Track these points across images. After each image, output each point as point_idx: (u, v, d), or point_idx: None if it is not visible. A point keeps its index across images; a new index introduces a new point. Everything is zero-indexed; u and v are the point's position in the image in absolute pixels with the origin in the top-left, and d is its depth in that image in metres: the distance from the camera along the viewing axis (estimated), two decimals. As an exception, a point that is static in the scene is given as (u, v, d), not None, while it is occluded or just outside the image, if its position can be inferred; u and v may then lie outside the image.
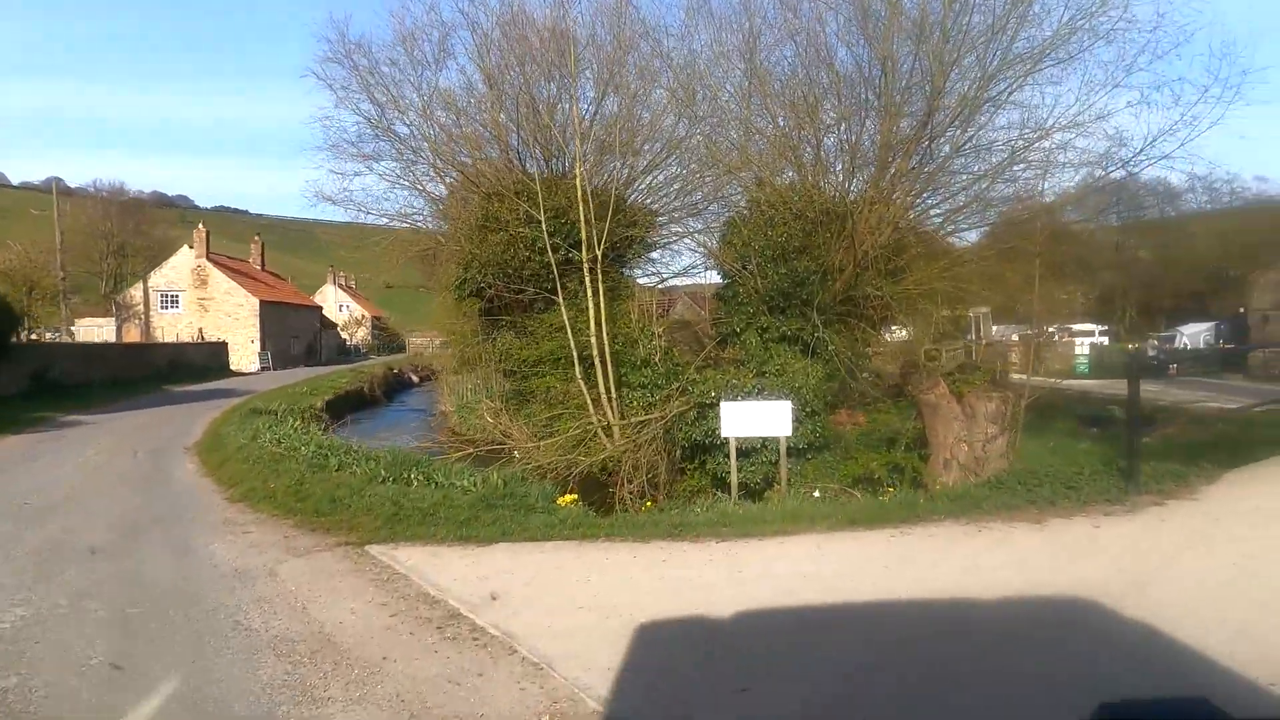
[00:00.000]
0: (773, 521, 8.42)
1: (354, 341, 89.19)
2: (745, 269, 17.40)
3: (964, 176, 17.74)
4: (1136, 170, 16.36)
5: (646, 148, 24.75)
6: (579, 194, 18.42)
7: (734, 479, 12.28)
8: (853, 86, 17.53)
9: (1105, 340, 73.52)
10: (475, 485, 11.77)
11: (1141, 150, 16.31)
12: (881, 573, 6.63)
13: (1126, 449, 8.14)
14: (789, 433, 11.74)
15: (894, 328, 26.68)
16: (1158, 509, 7.66)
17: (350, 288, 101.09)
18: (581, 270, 18.68)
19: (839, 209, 17.43)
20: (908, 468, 14.35)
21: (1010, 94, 16.96)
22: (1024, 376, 39.35)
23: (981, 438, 13.99)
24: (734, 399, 15.03)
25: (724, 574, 6.94)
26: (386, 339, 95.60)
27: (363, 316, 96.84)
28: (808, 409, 15.35)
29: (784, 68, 19.39)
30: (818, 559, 7.15)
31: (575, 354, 18.55)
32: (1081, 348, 42.29)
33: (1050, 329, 47.27)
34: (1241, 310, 41.04)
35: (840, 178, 18.22)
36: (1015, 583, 6.22)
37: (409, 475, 12.35)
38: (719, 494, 13.58)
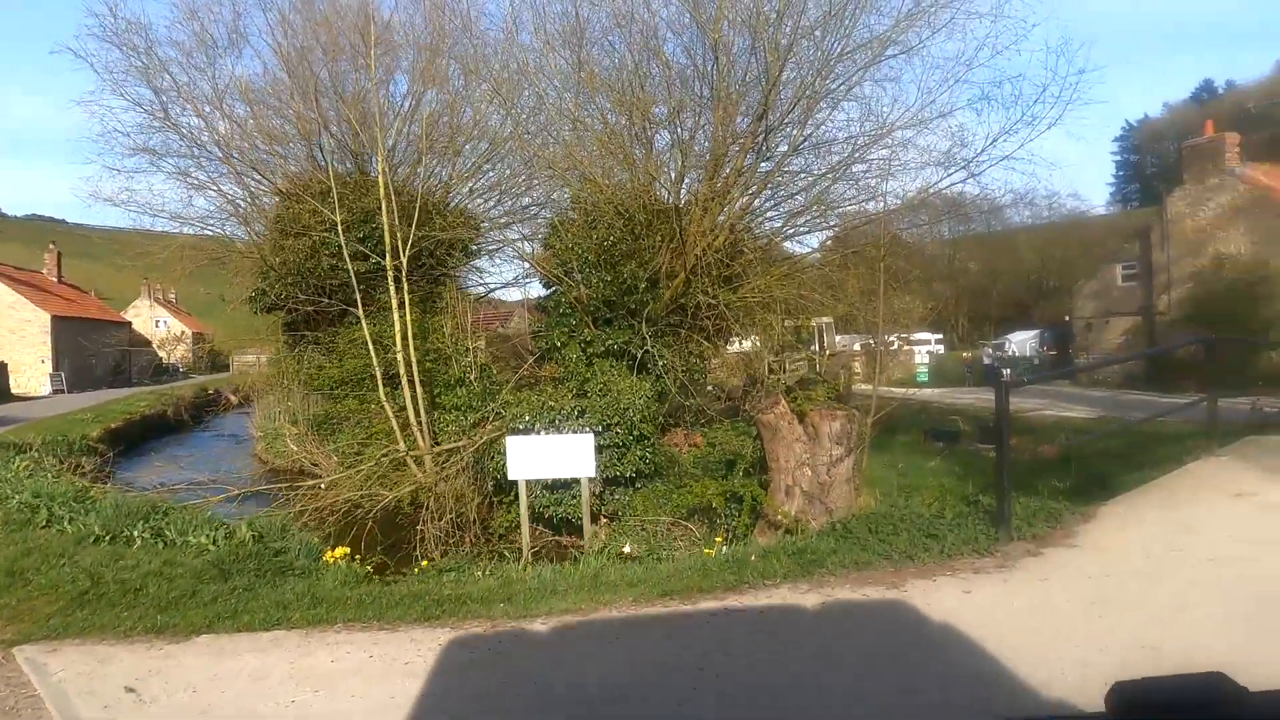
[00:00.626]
0: (567, 593, 6.54)
1: (173, 360, 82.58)
2: (567, 276, 15.58)
3: (804, 177, 16.52)
4: (979, 171, 15.48)
5: (470, 148, 22.70)
6: (382, 193, 16.20)
7: (525, 535, 10.11)
8: (685, 78, 16.06)
9: (940, 349, 76.00)
10: (217, 542, 9.41)
11: (983, 150, 15.50)
12: (694, 680, 4.86)
13: (997, 486, 6.72)
14: (592, 473, 9.76)
15: (736, 340, 25.60)
16: (1034, 560, 6.28)
17: (170, 302, 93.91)
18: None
19: (670, 210, 15.88)
20: (746, 497, 12.82)
21: (850, 89, 15.88)
22: (869, 387, 39.18)
23: (826, 460, 12.61)
24: (548, 424, 13.15)
25: (496, 682, 5.04)
26: (212, 357, 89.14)
27: (182, 333, 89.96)
28: (635, 433, 13.65)
29: (613, 58, 17.77)
30: (614, 658, 5.31)
31: (379, 372, 16.28)
32: (921, 357, 42.63)
33: (892, 338, 47.94)
34: (1066, 318, 42.31)
35: (674, 177, 16.68)
36: (875, 695, 4.57)
37: (133, 530, 9.82)
38: (506, 557, 11.40)
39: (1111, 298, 34.62)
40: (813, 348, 28.91)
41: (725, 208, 15.58)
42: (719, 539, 13.21)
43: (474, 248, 21.62)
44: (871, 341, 43.83)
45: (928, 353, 73.46)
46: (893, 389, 38.69)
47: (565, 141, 16.98)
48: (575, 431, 12.02)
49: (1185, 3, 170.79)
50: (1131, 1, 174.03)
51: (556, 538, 14.25)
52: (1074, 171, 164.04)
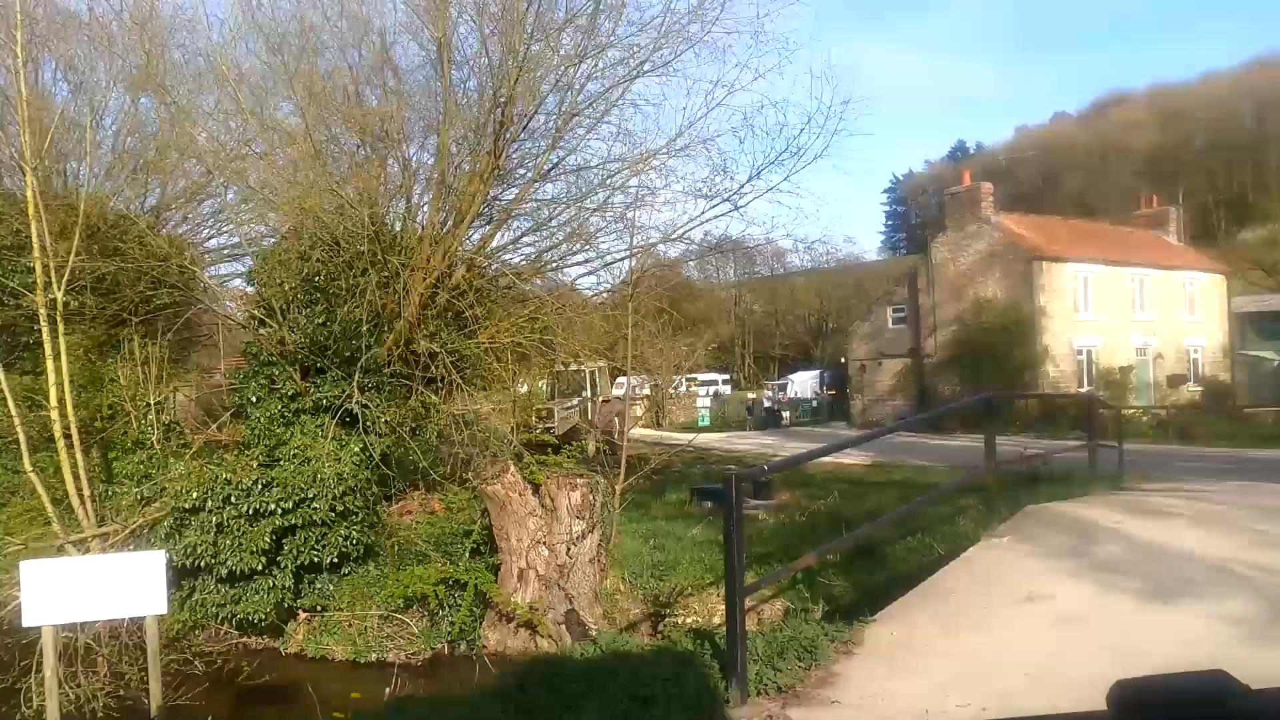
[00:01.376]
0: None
1: None
2: (270, 317, 12.90)
3: (557, 207, 14.66)
4: (743, 204, 14.15)
5: (192, 166, 19.48)
6: (30, 210, 12.93)
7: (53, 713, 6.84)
8: (420, 88, 13.89)
9: (728, 389, 76.80)
10: None
11: (749, 181, 14.20)
12: None
13: (728, 625, 4.76)
14: (163, 609, 6.75)
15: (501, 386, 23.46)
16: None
17: None
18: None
19: (396, 241, 13.57)
20: (470, 585, 10.59)
21: (607, 110, 14.22)
22: (651, 431, 37.82)
23: (566, 537, 10.62)
24: (222, 502, 10.46)
25: None
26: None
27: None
28: (338, 508, 11.17)
29: (342, 66, 15.33)
30: None
31: (22, 434, 12.88)
32: (703, 399, 41.97)
33: (674, 380, 47.09)
34: (842, 360, 42.98)
35: (407, 203, 14.40)
36: None
37: None
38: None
39: (884, 340, 35.15)
40: (585, 393, 27.13)
41: (460, 240, 13.44)
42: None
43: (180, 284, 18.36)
44: (655, 384, 42.83)
45: (715, 393, 74.12)
46: (673, 434, 37.75)
47: (294, 161, 14.32)
48: (144, 547, 9.48)
49: (942, 75, 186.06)
50: (894, 68, 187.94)
51: (244, 640, 11.48)
52: (849, 220, 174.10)
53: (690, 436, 34.84)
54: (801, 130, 13.80)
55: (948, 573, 6.42)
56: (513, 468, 10.61)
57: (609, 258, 14.58)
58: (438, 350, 12.10)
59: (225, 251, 20.53)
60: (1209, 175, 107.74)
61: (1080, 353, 30.75)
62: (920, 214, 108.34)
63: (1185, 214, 72.43)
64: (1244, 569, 6.04)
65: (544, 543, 10.65)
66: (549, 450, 12.34)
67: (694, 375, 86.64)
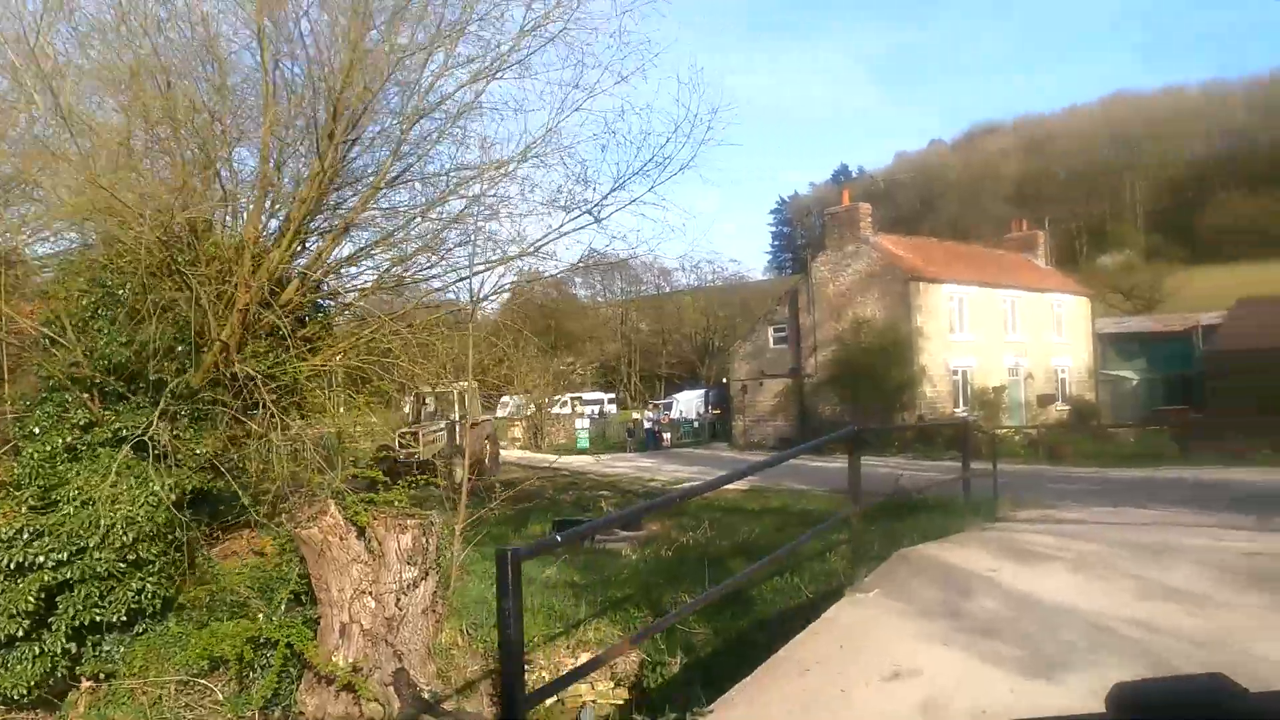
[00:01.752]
0: None
1: None
2: (62, 336, 11.23)
3: (403, 217, 13.41)
4: (604, 216, 13.19)
5: None
6: None
7: None
8: (247, 81, 12.45)
9: (614, 409, 75.90)
10: None
11: (611, 192, 13.24)
12: None
13: None
14: None
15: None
16: None
17: None
18: None
19: (216, 251, 12.09)
20: (281, 642, 9.20)
21: (458, 115, 13.06)
22: (527, 453, 36.46)
23: (395, 586, 9.37)
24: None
25: None
26: None
27: None
28: (130, 556, 9.64)
29: (161, 56, 13.71)
30: None
31: None
32: (582, 421, 40.89)
33: (555, 400, 45.86)
34: (724, 380, 42.57)
35: (232, 210, 12.90)
36: None
37: None
38: None
39: (765, 359, 34.83)
40: (453, 415, 25.71)
41: (288, 251, 12.05)
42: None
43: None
44: (534, 405, 41.54)
45: (600, 413, 73.06)
46: (551, 457, 36.55)
47: (85, 158, 12.62)
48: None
49: (827, 101, 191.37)
50: (782, 94, 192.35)
51: (8, 717, 9.77)
52: (737, 240, 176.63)
53: (558, 459, 33.74)
54: (668, 140, 12.93)
55: (807, 639, 5.51)
56: (333, 508, 9.30)
57: (462, 273, 13.34)
58: (255, 374, 10.65)
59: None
60: (1071, 203, 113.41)
61: (956, 373, 31.01)
62: (805, 235, 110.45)
63: (1051, 239, 75.67)
64: (1128, 628, 5.34)
65: (370, 593, 9.37)
66: (383, 485, 11.05)
67: (579, 395, 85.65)
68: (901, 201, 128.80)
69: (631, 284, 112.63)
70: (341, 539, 9.24)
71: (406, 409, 24.48)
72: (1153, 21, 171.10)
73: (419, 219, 12.82)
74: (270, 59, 10.81)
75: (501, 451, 37.86)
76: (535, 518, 18.69)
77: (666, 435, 38.31)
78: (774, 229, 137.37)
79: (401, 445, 23.18)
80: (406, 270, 14.19)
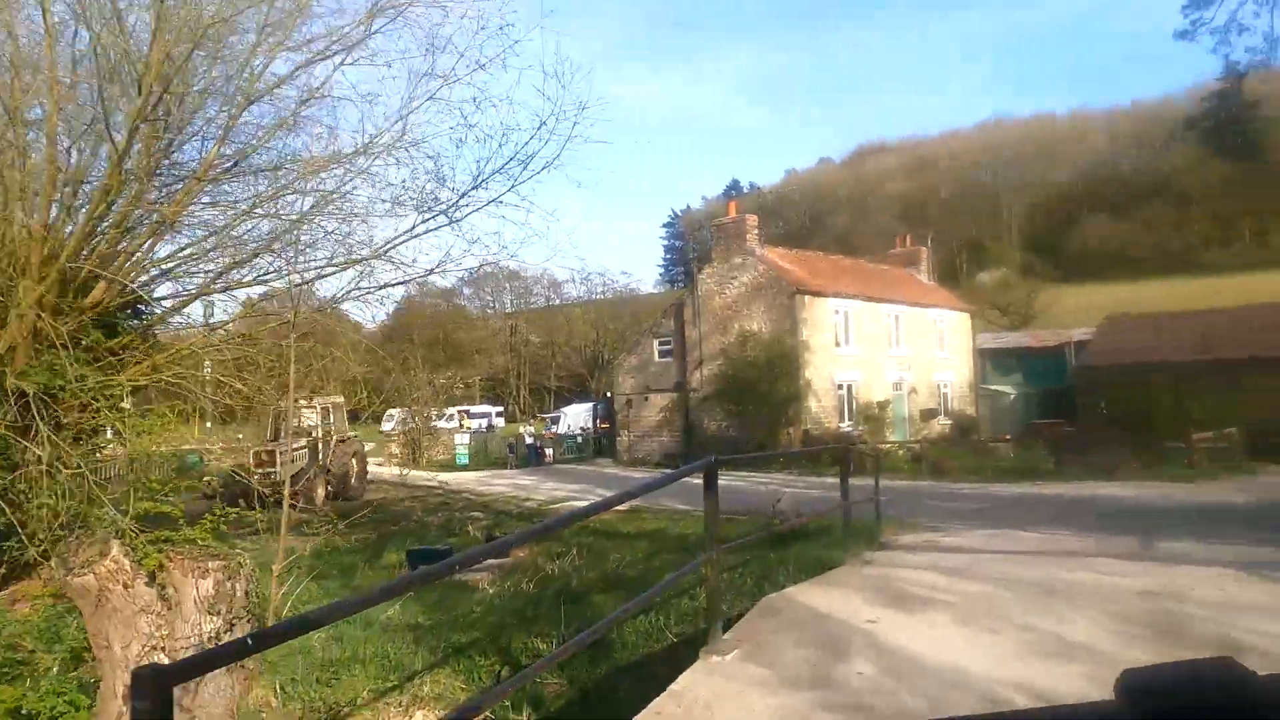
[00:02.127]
0: None
1: None
2: None
3: (232, 212, 11.93)
4: (460, 217, 11.99)
5: None
6: None
7: None
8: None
9: (501, 421, 74.12)
10: None
11: (470, 190, 12.06)
12: None
13: None
14: None
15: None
16: None
17: None
18: None
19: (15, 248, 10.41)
20: (43, 714, 7.68)
21: (301, 105, 11.69)
22: (409, 471, 34.65)
23: (193, 639, 7.97)
24: None
25: None
26: None
27: None
28: None
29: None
30: None
31: None
32: (463, 436, 39.26)
33: (440, 414, 44.03)
34: (608, 394, 41.62)
35: (21, 200, 11.18)
36: None
37: None
38: None
39: (650, 373, 34.00)
40: (315, 433, 23.96)
41: (83, 247, 10.46)
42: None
43: None
44: (411, 420, 39.66)
45: (488, 426, 71.14)
46: (430, 475, 34.86)
47: None
48: None
49: (722, 118, 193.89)
50: (677, 110, 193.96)
51: None
52: (629, 253, 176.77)
53: (437, 476, 32.14)
54: (532, 137, 11.85)
55: (647, 721, 4.47)
56: (116, 549, 7.84)
57: (298, 277, 11.92)
58: (30, 389, 9.06)
59: None
60: (953, 221, 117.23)
61: (841, 387, 30.79)
62: (697, 248, 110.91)
63: (934, 256, 77.70)
64: (1018, 695, 4.50)
65: (163, 649, 7.93)
66: (219, 515, 9.57)
67: (466, 408, 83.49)
68: (792, 217, 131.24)
69: (521, 296, 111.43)
70: (126, 586, 7.79)
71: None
72: (1026, 52, 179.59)
73: (246, 216, 11.34)
74: (54, 20, 9.26)
75: (378, 469, 35.99)
76: (396, 543, 17.26)
77: (549, 451, 37.06)
78: (666, 242, 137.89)
79: (257, 465, 21.33)
80: (242, 274, 12.69)
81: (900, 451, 29.07)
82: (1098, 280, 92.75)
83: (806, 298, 29.47)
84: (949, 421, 35.11)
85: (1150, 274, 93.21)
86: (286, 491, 9.18)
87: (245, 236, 12.52)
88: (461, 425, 74.97)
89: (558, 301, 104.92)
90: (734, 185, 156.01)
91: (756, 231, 31.67)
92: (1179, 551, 9.27)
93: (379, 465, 38.72)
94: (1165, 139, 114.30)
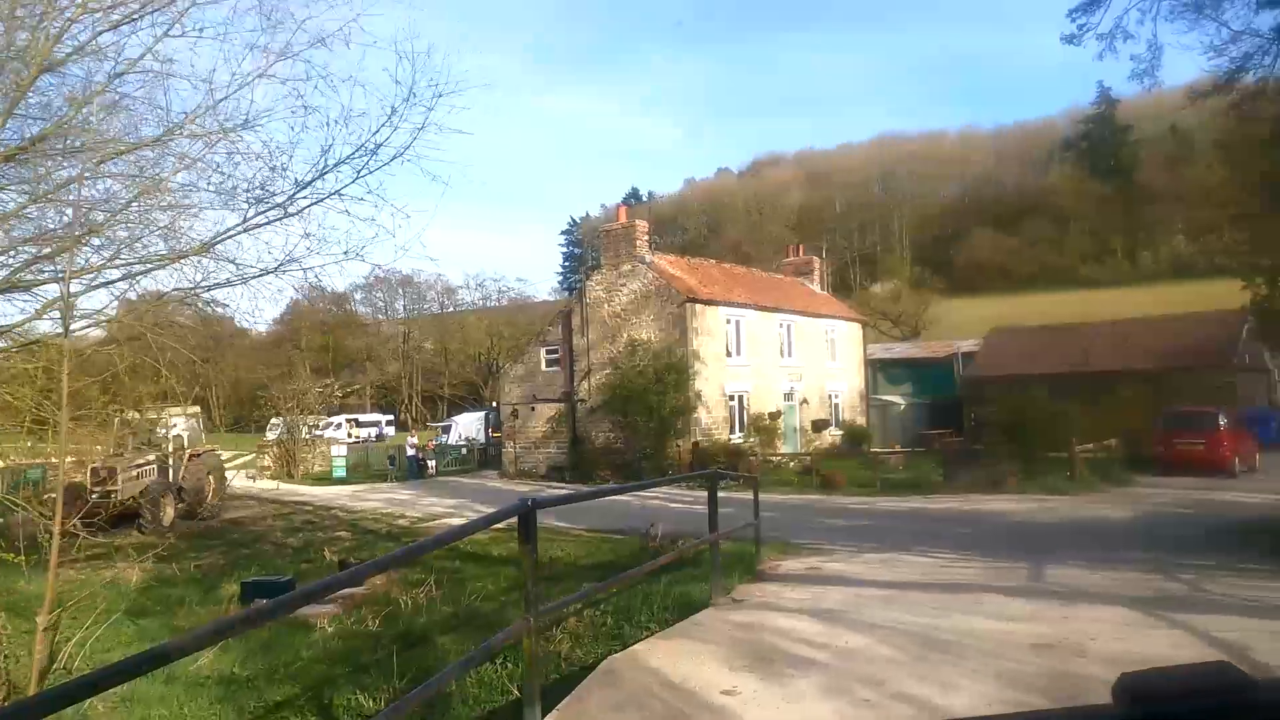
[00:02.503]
0: None
1: None
2: None
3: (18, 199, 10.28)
4: (297, 210, 10.61)
5: None
6: None
7: None
8: None
9: (392, 430, 71.56)
10: None
11: (315, 179, 10.69)
12: None
13: None
14: None
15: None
16: None
17: None
18: None
19: None
20: None
21: (116, 76, 10.15)
22: (279, 485, 32.51)
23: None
24: None
25: None
26: None
27: None
28: None
29: None
30: None
31: None
32: (339, 449, 37.19)
33: (320, 423, 41.74)
34: (494, 404, 40.17)
35: None
36: None
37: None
38: None
39: (537, 383, 32.72)
40: (166, 447, 21.95)
41: None
42: None
43: None
44: (289, 430, 37.44)
45: (378, 435, 68.48)
46: (304, 489, 32.82)
47: None
48: None
49: (623, 127, 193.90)
50: (579, 118, 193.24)
51: None
52: (526, 260, 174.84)
53: (311, 489, 30.25)
54: (383, 124, 10.56)
55: None
56: None
57: (101, 277, 10.35)
58: None
59: None
60: (847, 234, 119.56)
61: (732, 398, 30.14)
62: (595, 255, 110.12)
63: (828, 267, 78.59)
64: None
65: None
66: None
67: (355, 416, 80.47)
68: (691, 226, 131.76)
69: (415, 301, 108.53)
70: None
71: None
72: (919, 71, 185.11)
73: (36, 203, 9.77)
74: None
75: (250, 484, 33.74)
76: (241, 570, 15.65)
77: (432, 463, 35.35)
78: (565, 250, 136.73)
79: (95, 484, 19.31)
80: (46, 269, 11.01)
81: (791, 464, 28.63)
82: (984, 293, 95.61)
83: (697, 306, 28.72)
84: (840, 432, 34.91)
85: (1033, 288, 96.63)
86: (58, 519, 7.64)
87: (50, 228, 10.89)
88: (350, 434, 72.17)
89: (452, 308, 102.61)
90: (634, 193, 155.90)
91: (647, 238, 30.78)
92: (1071, 583, 8.64)
93: (250, 479, 36.46)
94: (1046, 159, 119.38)
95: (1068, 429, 22.31)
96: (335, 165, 10.78)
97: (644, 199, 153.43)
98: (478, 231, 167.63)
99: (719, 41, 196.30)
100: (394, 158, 10.71)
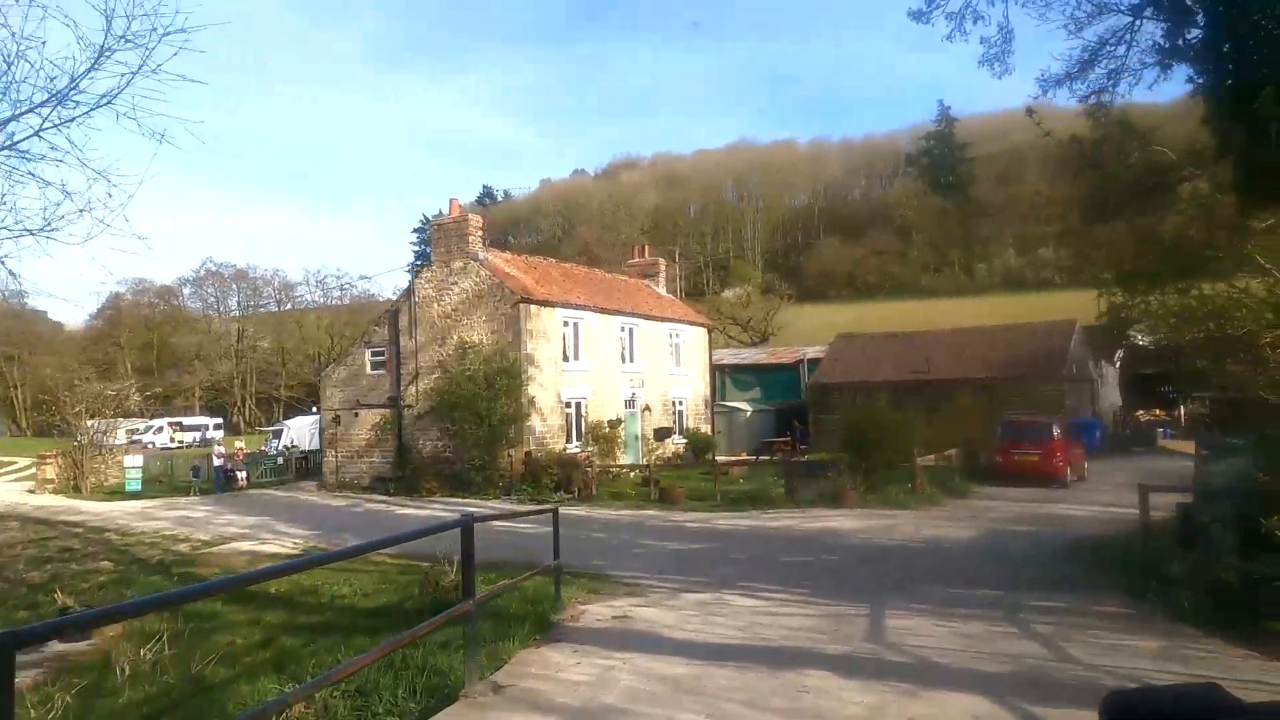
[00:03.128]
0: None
1: None
2: None
3: None
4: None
5: None
6: None
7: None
8: None
9: (221, 433, 66.31)
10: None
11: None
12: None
13: None
14: None
15: None
16: None
17: None
18: None
19: None
20: None
21: None
22: (52, 500, 28.51)
23: None
24: None
25: None
26: None
27: None
28: None
29: None
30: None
31: None
32: (134, 458, 33.28)
33: (106, 429, 37.38)
34: (314, 409, 37.07)
35: None
36: None
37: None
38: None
39: (362, 387, 30.03)
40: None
41: None
42: None
43: None
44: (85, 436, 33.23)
45: (204, 440, 63.27)
46: (91, 505, 28.99)
47: None
48: None
49: (478, 125, 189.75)
50: (431, 115, 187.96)
51: None
52: (379, 259, 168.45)
53: (97, 506, 26.54)
54: (89, 68, 8.23)
55: None
56: None
57: None
58: None
59: None
60: (701, 238, 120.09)
61: (569, 405, 28.36)
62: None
63: (682, 272, 78.05)
64: None
65: None
66: None
67: (179, 419, 74.37)
68: (545, 227, 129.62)
69: (250, 297, 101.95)
70: None
71: None
72: (768, 82, 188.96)
73: None
74: None
75: (25, 500, 29.66)
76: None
77: (243, 473, 31.98)
78: (416, 248, 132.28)
79: None
80: None
81: (632, 474, 27.10)
82: (832, 300, 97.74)
83: (532, 307, 26.80)
84: (684, 440, 33.68)
85: (877, 296, 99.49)
86: None
87: None
88: (173, 439, 66.46)
89: (290, 305, 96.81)
90: (487, 191, 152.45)
91: (481, 233, 28.61)
92: (915, 644, 7.25)
93: (30, 493, 32.21)
94: (891, 173, 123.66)
95: (909, 439, 21.61)
96: (24, 112, 8.42)
97: (498, 198, 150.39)
98: (324, 226, 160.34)
99: (575, 42, 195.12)
100: (104, 104, 8.43)
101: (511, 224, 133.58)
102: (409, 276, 29.05)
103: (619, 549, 15.36)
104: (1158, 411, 39.53)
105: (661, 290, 37.32)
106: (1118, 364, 41.90)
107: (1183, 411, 43.34)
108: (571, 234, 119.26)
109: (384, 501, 26.01)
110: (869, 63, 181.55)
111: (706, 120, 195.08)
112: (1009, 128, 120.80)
